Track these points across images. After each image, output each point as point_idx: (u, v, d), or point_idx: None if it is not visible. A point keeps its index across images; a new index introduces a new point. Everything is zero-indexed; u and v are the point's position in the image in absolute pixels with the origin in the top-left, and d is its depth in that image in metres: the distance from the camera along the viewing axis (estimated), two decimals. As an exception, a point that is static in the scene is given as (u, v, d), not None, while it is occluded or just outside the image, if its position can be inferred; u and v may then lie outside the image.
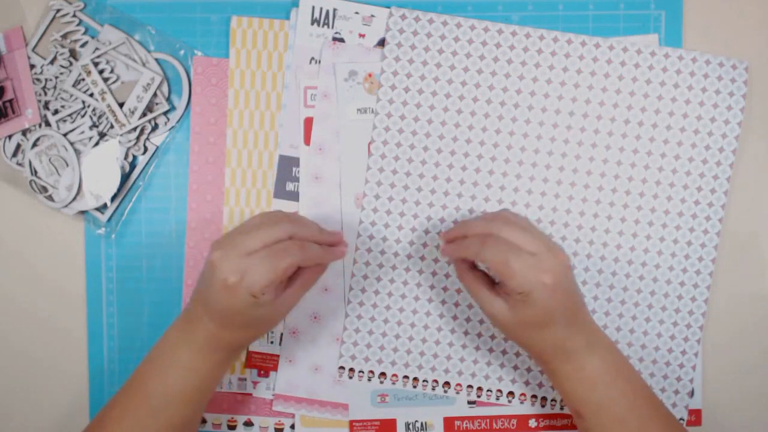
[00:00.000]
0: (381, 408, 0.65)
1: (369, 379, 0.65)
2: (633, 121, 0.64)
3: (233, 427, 0.66)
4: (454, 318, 0.65)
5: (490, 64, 0.64)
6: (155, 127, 0.65)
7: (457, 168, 0.64)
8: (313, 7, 0.65)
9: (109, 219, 0.65)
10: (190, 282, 0.66)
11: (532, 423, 0.66)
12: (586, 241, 0.64)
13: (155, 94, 0.64)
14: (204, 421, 0.66)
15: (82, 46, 0.64)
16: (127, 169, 0.65)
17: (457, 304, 0.64)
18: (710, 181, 0.64)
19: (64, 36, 0.65)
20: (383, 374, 0.65)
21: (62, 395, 0.67)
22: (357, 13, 0.65)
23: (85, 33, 0.65)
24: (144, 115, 0.64)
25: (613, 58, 0.63)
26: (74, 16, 0.65)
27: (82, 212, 0.65)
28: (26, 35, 0.65)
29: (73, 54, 0.65)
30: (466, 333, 0.65)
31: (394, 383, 0.65)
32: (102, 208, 0.65)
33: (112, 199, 0.65)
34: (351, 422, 0.66)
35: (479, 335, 0.64)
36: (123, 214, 0.66)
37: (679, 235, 0.64)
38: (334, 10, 0.65)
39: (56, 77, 0.64)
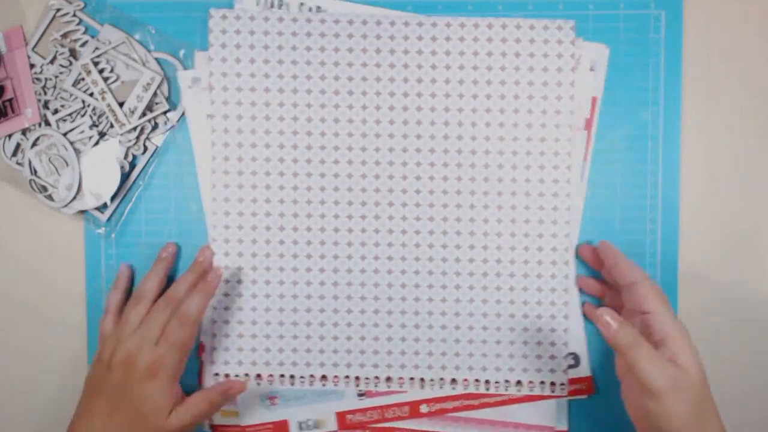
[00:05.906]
0: (272, 410, 0.65)
1: (258, 384, 0.65)
2: (467, 95, 0.63)
3: (233, 427, 0.66)
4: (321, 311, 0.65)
5: (317, 54, 0.63)
6: (155, 127, 0.65)
7: (302, 161, 0.64)
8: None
9: (109, 219, 0.65)
10: (190, 282, 0.66)
11: (424, 408, 0.65)
12: (440, 218, 0.64)
13: (155, 94, 0.64)
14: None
15: (82, 45, 0.64)
16: (127, 168, 0.65)
17: (322, 297, 0.64)
18: (552, 145, 0.63)
19: (64, 35, 0.65)
20: (259, 375, 0.65)
21: (62, 395, 0.66)
22: (357, 12, 0.65)
23: (85, 32, 0.65)
24: (144, 114, 0.64)
25: (438, 35, 0.63)
26: (74, 15, 0.65)
27: (82, 212, 0.65)
28: (26, 35, 0.65)
29: (73, 53, 0.65)
30: (335, 324, 0.64)
31: (270, 383, 0.65)
32: (102, 207, 0.65)
33: (112, 198, 0.65)
34: (243, 428, 0.65)
35: (349, 325, 0.64)
36: (123, 213, 0.65)
37: (529, 201, 0.64)
38: (335, 9, 0.65)
39: (56, 77, 0.64)
